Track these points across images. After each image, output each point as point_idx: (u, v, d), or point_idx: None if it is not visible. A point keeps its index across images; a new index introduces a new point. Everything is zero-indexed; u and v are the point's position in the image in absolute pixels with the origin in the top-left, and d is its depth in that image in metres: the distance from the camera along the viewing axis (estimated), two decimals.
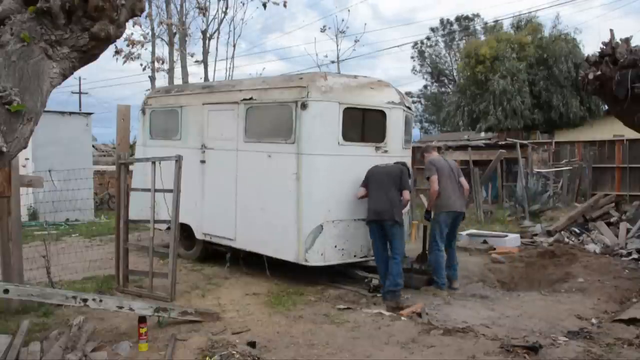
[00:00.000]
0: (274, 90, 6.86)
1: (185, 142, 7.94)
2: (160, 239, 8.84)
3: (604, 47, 6.46)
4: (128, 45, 15.84)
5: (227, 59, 19.43)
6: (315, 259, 6.40)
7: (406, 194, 6.31)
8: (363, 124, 6.95)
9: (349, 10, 50.95)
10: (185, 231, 7.70)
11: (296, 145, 6.42)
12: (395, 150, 6.96)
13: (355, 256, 6.65)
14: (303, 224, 6.36)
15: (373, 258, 6.67)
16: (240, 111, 7.11)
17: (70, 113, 13.49)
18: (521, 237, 9.75)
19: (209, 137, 7.61)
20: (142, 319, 4.53)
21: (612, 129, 16.00)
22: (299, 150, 6.41)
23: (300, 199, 6.39)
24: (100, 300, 4.63)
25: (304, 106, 6.35)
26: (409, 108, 7.46)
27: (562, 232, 9.93)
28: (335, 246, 6.47)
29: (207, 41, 17.98)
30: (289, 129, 6.50)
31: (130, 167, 8.09)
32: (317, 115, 6.38)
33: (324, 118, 6.40)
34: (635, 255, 8.26)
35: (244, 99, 7.08)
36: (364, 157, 6.58)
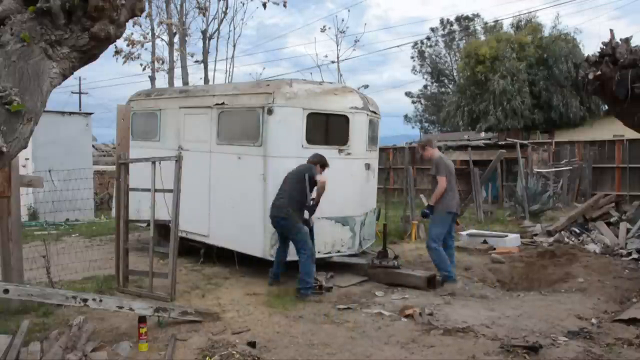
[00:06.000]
0: (244, 96, 7.22)
1: (164, 144, 8.28)
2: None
3: (604, 47, 6.45)
4: (128, 45, 15.90)
5: (227, 59, 19.45)
6: None
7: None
8: (327, 128, 7.28)
9: (348, 11, 50.98)
10: (164, 228, 7.78)
11: (263, 148, 6.74)
12: (358, 152, 7.26)
13: (318, 252, 6.85)
14: (269, 222, 6.60)
15: (336, 254, 7.15)
16: (213, 115, 7.46)
17: (70, 113, 13.54)
18: (521, 237, 9.74)
19: (185, 139, 7.95)
20: (142, 319, 4.53)
21: (612, 129, 16.01)
22: (265, 153, 6.72)
23: (266, 198, 6.67)
24: (100, 300, 4.63)
25: (269, 111, 6.66)
26: (375, 112, 7.73)
27: (562, 232, 9.91)
28: None
29: (207, 41, 18.01)
30: (256, 132, 6.81)
31: None
32: (282, 120, 6.70)
33: (289, 123, 6.72)
34: (635, 255, 8.25)
35: (217, 104, 7.42)
36: (328, 159, 6.82)
